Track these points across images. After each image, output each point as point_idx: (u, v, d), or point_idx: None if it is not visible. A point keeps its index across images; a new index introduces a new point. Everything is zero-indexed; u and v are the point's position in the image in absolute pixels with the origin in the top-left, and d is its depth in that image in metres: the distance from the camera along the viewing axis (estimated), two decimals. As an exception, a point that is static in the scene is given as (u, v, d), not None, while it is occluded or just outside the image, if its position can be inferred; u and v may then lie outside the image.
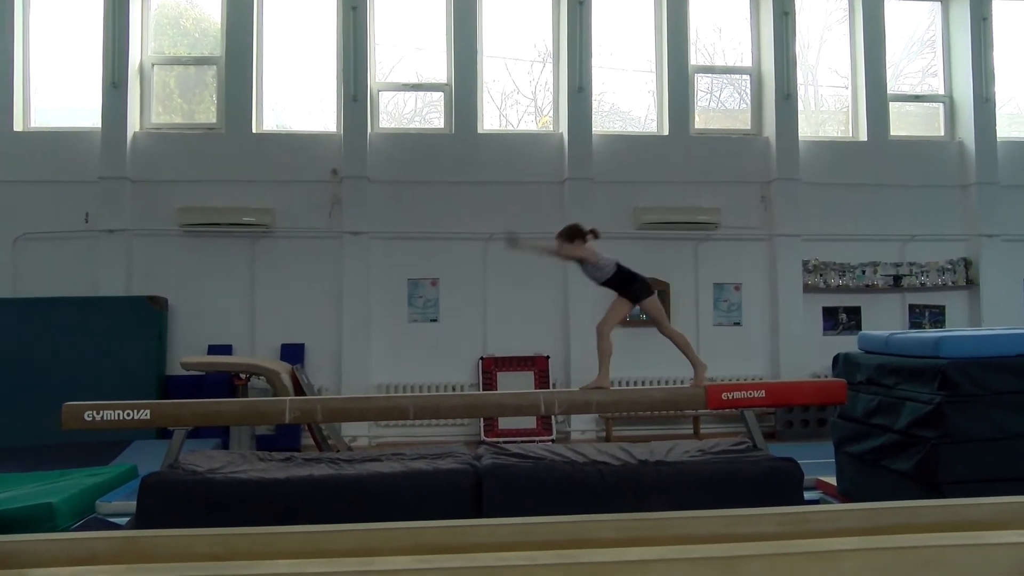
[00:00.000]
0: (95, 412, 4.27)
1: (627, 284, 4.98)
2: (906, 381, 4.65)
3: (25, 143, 9.55)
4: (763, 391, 4.65)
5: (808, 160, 10.21)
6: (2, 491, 5.19)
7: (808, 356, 9.88)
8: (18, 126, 9.62)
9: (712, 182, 10.14)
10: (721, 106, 11.04)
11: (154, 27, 10.06)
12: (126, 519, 4.69)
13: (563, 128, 10.02)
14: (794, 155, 10.14)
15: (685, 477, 4.25)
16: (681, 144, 10.23)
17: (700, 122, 10.53)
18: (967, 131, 10.51)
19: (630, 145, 10.26)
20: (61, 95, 9.99)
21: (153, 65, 9.91)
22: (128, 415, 4.30)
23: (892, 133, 10.57)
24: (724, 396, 4.61)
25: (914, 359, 4.65)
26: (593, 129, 9.99)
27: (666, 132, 10.26)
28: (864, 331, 6.74)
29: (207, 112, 10.08)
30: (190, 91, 10.26)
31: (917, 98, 10.95)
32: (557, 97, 10.28)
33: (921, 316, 10.41)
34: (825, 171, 10.29)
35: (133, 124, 9.62)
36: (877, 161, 10.38)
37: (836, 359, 5.60)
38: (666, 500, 3.97)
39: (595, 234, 4.93)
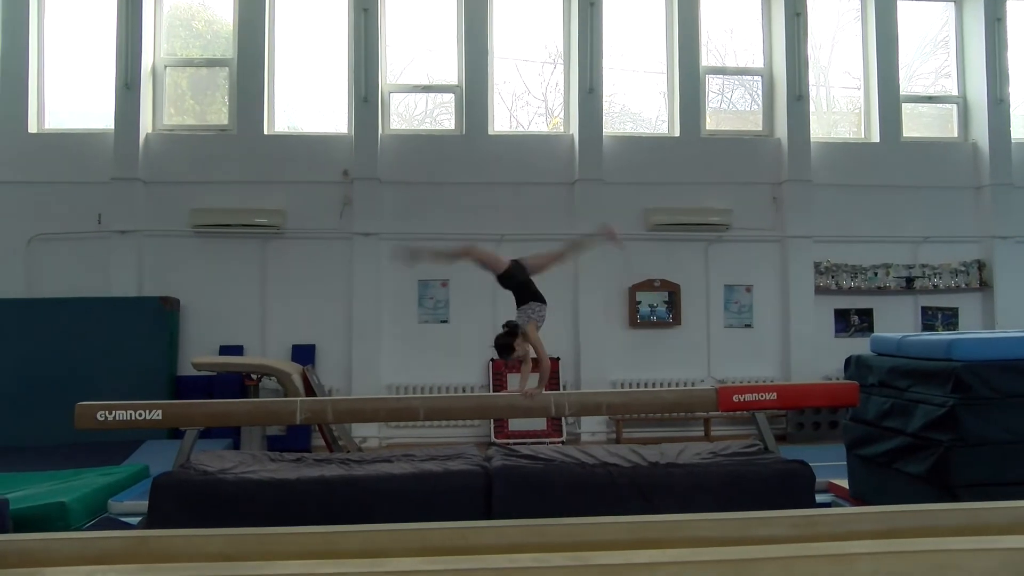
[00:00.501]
0: (107, 412, 4.30)
1: (530, 294, 4.87)
2: (919, 384, 4.62)
3: (39, 144, 9.61)
4: (774, 393, 4.63)
5: (820, 161, 10.15)
6: (16, 490, 5.24)
7: (820, 358, 9.80)
8: (32, 128, 9.68)
9: (723, 183, 10.07)
10: (732, 107, 10.98)
11: (167, 29, 10.11)
12: (138, 519, 4.72)
13: (574, 129, 9.98)
14: (806, 156, 10.05)
15: (696, 479, 4.24)
16: (692, 145, 10.17)
17: (711, 123, 10.48)
18: (981, 132, 10.41)
19: (641, 146, 10.23)
20: (74, 97, 10.04)
21: (166, 67, 9.96)
22: (140, 415, 4.33)
23: (905, 134, 10.49)
24: (735, 398, 4.59)
25: (927, 362, 4.62)
26: (604, 130, 9.95)
27: (677, 133, 10.21)
28: (876, 333, 6.70)
29: (219, 113, 10.12)
30: (202, 93, 10.31)
31: (930, 99, 10.85)
32: (568, 98, 10.24)
33: (934, 318, 10.29)
34: (837, 172, 10.20)
35: (145, 126, 9.67)
36: (890, 162, 10.27)
37: (848, 361, 5.57)
38: (677, 502, 3.97)
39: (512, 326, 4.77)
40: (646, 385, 9.61)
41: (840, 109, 11.21)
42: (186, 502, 4.14)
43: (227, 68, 9.97)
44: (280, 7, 10.05)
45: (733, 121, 10.84)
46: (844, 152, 10.39)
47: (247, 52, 9.82)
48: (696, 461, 4.46)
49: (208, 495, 4.16)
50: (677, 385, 9.50)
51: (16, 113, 9.61)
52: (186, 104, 10.29)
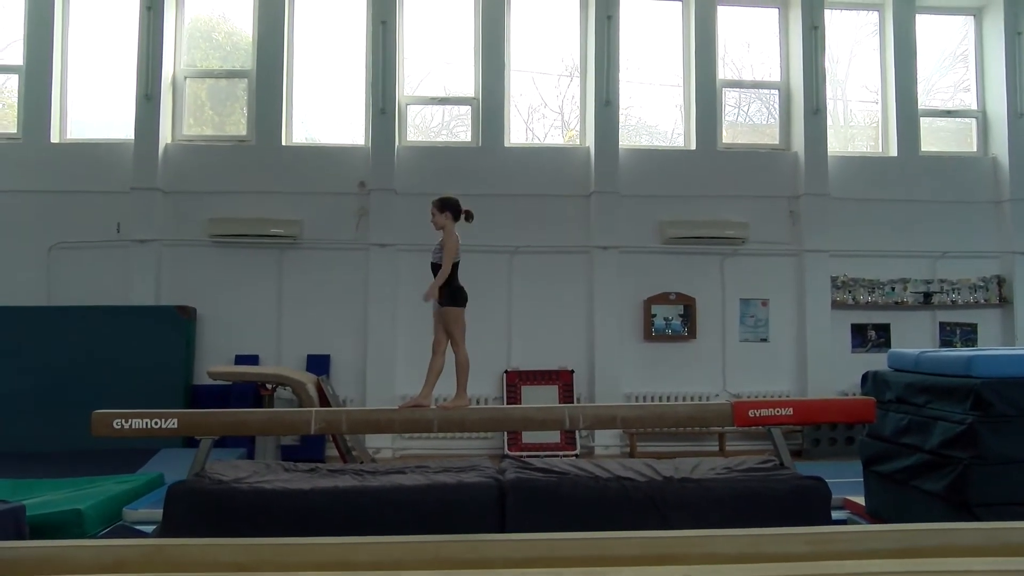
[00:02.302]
0: (124, 420, 4.31)
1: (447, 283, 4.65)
2: (937, 400, 4.56)
3: (61, 154, 9.71)
4: (790, 408, 4.57)
5: (837, 175, 10.09)
6: (34, 496, 5.36)
7: (836, 373, 9.69)
8: (55, 138, 9.80)
9: (739, 197, 10.02)
10: (749, 120, 10.94)
11: (187, 40, 10.23)
12: (152, 527, 4.73)
13: (590, 142, 9.98)
14: (823, 170, 10.00)
15: (711, 495, 4.20)
16: (708, 158, 10.12)
17: (728, 136, 10.45)
18: (1001, 147, 10.33)
19: (657, 159, 10.19)
20: (96, 107, 10.17)
21: (186, 78, 10.07)
22: (156, 424, 4.33)
23: (923, 149, 10.42)
24: (751, 413, 4.52)
25: (946, 378, 4.57)
26: (620, 143, 9.95)
27: (693, 146, 10.19)
28: (894, 349, 6.63)
29: (237, 124, 10.21)
30: (221, 103, 10.42)
31: (949, 113, 10.80)
32: (584, 111, 10.25)
33: (952, 334, 10.12)
34: (855, 186, 10.12)
35: (165, 136, 9.76)
36: (908, 177, 10.18)
37: (865, 377, 5.51)
38: (691, 518, 3.94)
39: (469, 216, 4.91)
40: (660, 399, 9.53)
41: (857, 123, 11.15)
42: (201, 511, 4.12)
43: (246, 79, 10.06)
44: (299, 19, 10.13)
45: (750, 134, 10.80)
46: (861, 166, 10.33)
47: (266, 63, 9.90)
48: (711, 476, 4.41)
49: (223, 504, 4.15)
50: (692, 399, 9.40)
51: (39, 123, 9.74)
52: (205, 115, 10.39)
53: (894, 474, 4.85)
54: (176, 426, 4.37)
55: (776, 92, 10.49)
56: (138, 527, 5.17)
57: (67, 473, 6.61)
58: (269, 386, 7.86)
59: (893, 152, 10.36)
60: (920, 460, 4.55)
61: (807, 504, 4.15)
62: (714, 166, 10.11)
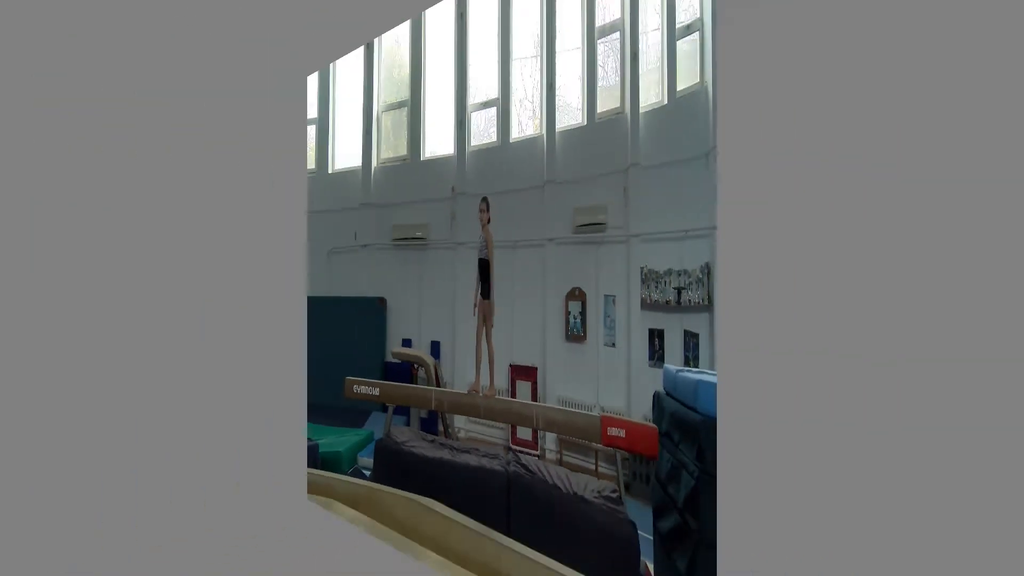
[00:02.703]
0: (359, 386, 4.83)
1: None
2: (684, 440, 3.29)
3: (333, 181, 9.51)
4: (623, 430, 3.55)
5: (647, 136, 6.16)
6: (316, 439, 5.82)
7: (643, 391, 6.16)
8: (331, 169, 11.32)
9: (610, 173, 5.78)
10: (606, 78, 6.56)
11: (384, 77, 9.67)
12: (368, 472, 5.23)
13: (545, 129, 7.99)
14: (636, 130, 5.69)
15: (594, 520, 3.58)
16: (594, 130, 5.29)
17: (601, 101, 6.22)
18: (707, 66, 5.25)
19: (569, 138, 6.05)
20: (346, 141, 10.20)
21: (381, 111, 11.26)
22: (370, 391, 4.82)
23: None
24: (609, 431, 3.58)
25: (686, 409, 3.32)
26: (557, 126, 7.44)
27: (584, 118, 6.12)
28: (667, 364, 4.17)
29: (404, 147, 10.08)
30: (398, 129, 9.84)
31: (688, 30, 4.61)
32: (541, 95, 8.15)
33: (688, 347, 5.42)
34: (668, 145, 4.67)
35: (375, 160, 9.80)
36: (681, 123, 4.51)
37: (655, 398, 3.99)
38: (592, 541, 3.60)
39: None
40: (576, 405, 6.61)
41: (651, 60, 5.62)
42: (387, 465, 4.65)
43: (407, 107, 9.64)
44: (430, 44, 9.46)
45: (608, 97, 6.13)
46: (660, 118, 5.12)
47: (414, 87, 8.51)
48: (592, 499, 3.71)
49: (397, 462, 4.64)
50: (585, 408, 6.69)
51: (322, 158, 10.05)
52: (390, 140, 10.43)
53: (665, 536, 3.53)
54: (377, 394, 4.81)
55: (618, 34, 8.07)
56: (364, 471, 5.37)
57: (327, 422, 6.68)
58: (416, 366, 7.00)
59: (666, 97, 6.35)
60: (675, 523, 3.27)
61: (620, 555, 3.37)
62: (595, 137, 5.80)
